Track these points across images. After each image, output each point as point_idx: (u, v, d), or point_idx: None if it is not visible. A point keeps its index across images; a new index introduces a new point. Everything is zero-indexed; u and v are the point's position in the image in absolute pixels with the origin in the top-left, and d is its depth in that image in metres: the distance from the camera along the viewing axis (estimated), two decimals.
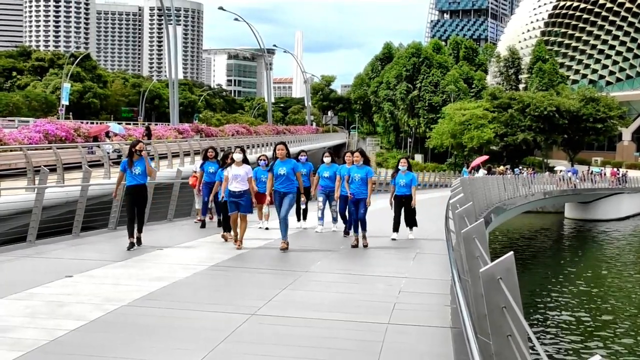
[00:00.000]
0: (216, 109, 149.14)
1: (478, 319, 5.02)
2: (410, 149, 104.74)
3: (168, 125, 54.47)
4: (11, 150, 22.21)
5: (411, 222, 16.52)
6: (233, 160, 13.79)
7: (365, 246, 14.29)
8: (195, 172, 18.61)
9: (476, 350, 4.11)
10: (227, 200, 13.61)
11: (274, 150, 15.08)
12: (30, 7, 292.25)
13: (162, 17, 73.15)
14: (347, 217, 15.59)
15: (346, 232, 16.19)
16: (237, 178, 13.53)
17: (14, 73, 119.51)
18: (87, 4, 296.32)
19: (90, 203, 16.48)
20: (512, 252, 4.05)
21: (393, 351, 6.86)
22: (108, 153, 25.74)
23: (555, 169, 74.01)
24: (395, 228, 16.14)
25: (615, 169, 75.85)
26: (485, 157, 43.14)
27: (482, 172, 42.47)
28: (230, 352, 6.64)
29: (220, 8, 75.72)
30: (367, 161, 15.09)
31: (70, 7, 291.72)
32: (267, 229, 17.04)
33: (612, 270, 37.96)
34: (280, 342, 7.06)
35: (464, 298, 5.65)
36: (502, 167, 56.47)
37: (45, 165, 15.79)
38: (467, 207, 8.29)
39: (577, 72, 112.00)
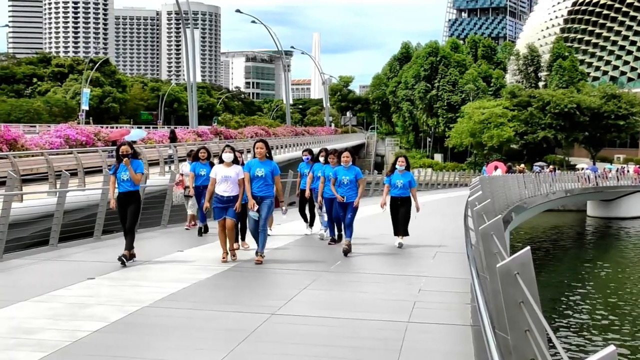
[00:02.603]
0: (235, 111, 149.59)
1: (497, 314, 5.02)
2: (430, 149, 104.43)
3: (187, 128, 54.67)
4: (33, 156, 22.42)
5: (404, 229, 14.53)
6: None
7: (347, 253, 12.91)
8: (182, 174, 17.51)
9: (493, 344, 4.11)
10: (214, 207, 12.05)
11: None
12: (50, 13, 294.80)
13: (180, 21, 73.33)
14: (333, 221, 14.45)
15: (332, 240, 14.62)
16: (226, 180, 11.94)
17: (35, 79, 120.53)
18: (105, 10, 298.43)
19: (109, 207, 16.58)
20: (528, 247, 4.05)
21: (413, 350, 6.85)
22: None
23: (577, 166, 73.45)
24: (397, 232, 14.62)
25: (638, 166, 75.12)
26: (495, 164, 42.80)
27: (499, 171, 42.25)
28: (250, 352, 6.66)
29: (238, 11, 75.98)
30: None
31: (89, 12, 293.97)
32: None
33: (635, 268, 37.64)
34: (300, 342, 7.08)
35: (482, 294, 5.64)
36: (521, 166, 56.17)
37: (66, 170, 15.93)
38: (485, 205, 8.27)
39: (597, 68, 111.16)
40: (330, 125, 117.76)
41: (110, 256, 12.69)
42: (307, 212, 16.48)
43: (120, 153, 11.99)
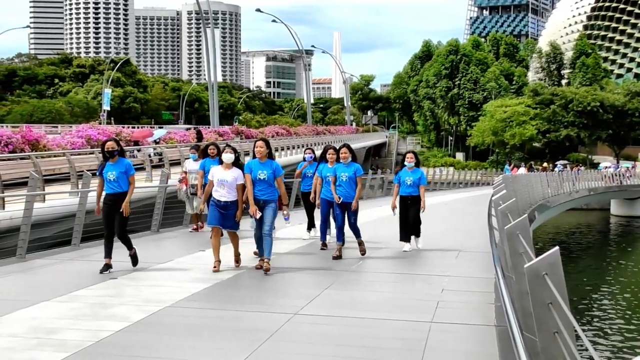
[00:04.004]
0: (256, 110, 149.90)
1: (523, 316, 4.93)
2: (451, 148, 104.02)
3: (208, 127, 54.81)
4: (55, 156, 22.53)
5: (415, 230, 13.69)
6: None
7: (363, 253, 12.58)
8: (185, 172, 16.77)
9: (522, 347, 4.03)
10: (210, 208, 11.02)
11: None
12: (71, 14, 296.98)
13: (200, 21, 73.62)
14: (322, 224, 13.45)
15: (324, 245, 13.58)
16: (223, 185, 10.81)
17: (56, 80, 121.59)
18: (126, 10, 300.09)
19: (132, 206, 16.59)
20: (557, 247, 3.96)
21: (437, 350, 6.78)
22: (150, 156, 26.01)
23: (600, 165, 72.77)
24: (404, 237, 13.65)
25: None
26: (514, 172, 42.49)
27: (522, 170, 42.00)
28: (272, 352, 6.62)
29: (258, 10, 76.06)
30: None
31: (110, 13, 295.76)
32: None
33: None
34: (323, 342, 7.03)
35: (509, 295, 5.55)
36: (544, 164, 55.77)
37: (88, 170, 15.96)
38: (509, 204, 8.17)
39: (621, 65, 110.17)
40: (352, 125, 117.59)
41: None
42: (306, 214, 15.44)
43: (105, 150, 10.96)
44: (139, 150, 28.60)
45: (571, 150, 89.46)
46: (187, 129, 50.67)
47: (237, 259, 11.33)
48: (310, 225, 15.44)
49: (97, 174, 11.17)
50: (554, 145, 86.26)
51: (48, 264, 11.76)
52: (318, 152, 14.64)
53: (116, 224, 10.91)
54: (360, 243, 12.72)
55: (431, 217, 16.16)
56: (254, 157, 11.23)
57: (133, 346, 6.80)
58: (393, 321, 7.90)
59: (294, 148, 48.72)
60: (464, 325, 7.79)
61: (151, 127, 68.75)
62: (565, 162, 68.07)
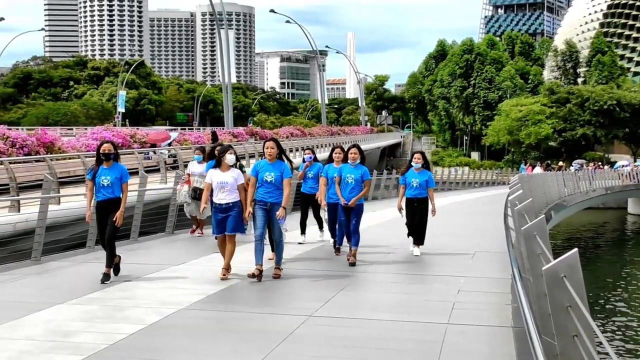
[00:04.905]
0: (270, 111, 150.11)
1: (541, 317, 4.86)
2: (467, 147, 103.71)
3: (223, 129, 54.89)
4: (70, 158, 22.61)
5: (419, 236, 13.12)
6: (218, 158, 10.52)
7: (353, 264, 11.71)
8: (189, 174, 16.22)
9: (540, 351, 3.96)
10: (214, 218, 10.49)
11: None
12: (85, 16, 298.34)
13: (214, 22, 73.85)
14: (337, 228, 12.91)
15: (337, 249, 13.05)
16: (223, 188, 10.32)
17: (71, 83, 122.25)
18: (140, 12, 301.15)
19: (147, 208, 16.64)
20: (576, 249, 3.89)
21: (453, 352, 6.72)
22: (164, 158, 26.06)
23: (617, 164, 72.25)
24: (414, 240, 13.15)
25: None
26: (529, 171, 42.21)
27: (537, 169, 41.69)
28: (287, 355, 6.58)
29: (272, 11, 76.11)
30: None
31: (124, 15, 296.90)
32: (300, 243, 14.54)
33: None
34: (339, 344, 6.98)
35: (526, 297, 5.48)
36: (560, 163, 55.40)
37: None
38: (526, 204, 8.09)
39: (638, 63, 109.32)
40: (366, 125, 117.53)
41: (147, 258, 12.74)
42: (310, 216, 14.87)
43: (101, 152, 10.30)
44: (154, 153, 28.65)
45: (587, 149, 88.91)
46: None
47: (227, 269, 10.49)
48: (320, 226, 15.02)
49: (88, 177, 10.57)
50: (570, 144, 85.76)
51: (63, 267, 11.77)
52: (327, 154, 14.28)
53: (107, 230, 10.27)
54: (354, 252, 11.92)
55: (447, 217, 16.08)
56: (263, 157, 10.72)
57: (147, 349, 6.78)
58: (409, 323, 7.86)
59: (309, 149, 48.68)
60: (481, 327, 7.72)
61: (165, 130, 68.86)
62: (582, 161, 67.50)
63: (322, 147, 54.31)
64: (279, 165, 10.52)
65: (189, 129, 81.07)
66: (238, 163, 11.07)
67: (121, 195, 10.32)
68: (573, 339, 3.72)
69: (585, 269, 34.20)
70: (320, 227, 15.06)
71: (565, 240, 46.25)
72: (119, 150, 10.77)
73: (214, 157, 13.44)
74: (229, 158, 10.44)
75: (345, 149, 12.85)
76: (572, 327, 3.71)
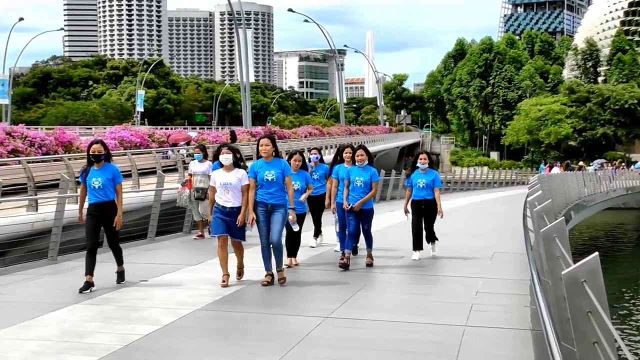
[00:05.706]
0: (288, 111, 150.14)
1: (560, 322, 4.76)
2: (486, 147, 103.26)
3: (241, 128, 54.97)
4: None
5: (430, 236, 12.86)
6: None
7: (370, 265, 11.59)
8: (190, 174, 15.58)
9: (559, 358, 3.86)
10: (214, 218, 9.87)
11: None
12: (104, 16, 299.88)
13: (233, 22, 73.97)
14: (340, 231, 12.45)
15: (343, 253, 11.67)
16: (226, 189, 9.76)
17: (90, 82, 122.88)
18: (159, 12, 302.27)
19: (164, 208, 16.63)
20: (596, 253, 3.79)
21: (471, 354, 6.64)
22: (182, 157, 26.06)
23: (637, 163, 71.64)
24: (417, 244, 12.58)
25: None
26: (548, 171, 41.90)
27: (556, 169, 41.45)
28: (303, 357, 6.53)
29: (290, 10, 76.11)
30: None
31: (143, 15, 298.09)
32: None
33: None
34: (355, 346, 6.91)
35: (545, 301, 5.37)
36: (580, 163, 54.99)
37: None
38: (545, 205, 7.98)
39: None
40: (385, 124, 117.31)
41: (163, 258, 12.73)
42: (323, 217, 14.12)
43: (90, 153, 9.77)
44: (172, 152, 28.67)
45: (608, 148, 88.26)
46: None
47: (240, 272, 10.23)
48: (317, 231, 14.16)
49: (80, 180, 10.06)
50: (590, 143, 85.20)
51: (79, 266, 11.70)
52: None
53: (107, 235, 9.89)
54: (369, 254, 11.69)
55: (465, 217, 15.95)
56: (259, 157, 10.04)
57: (162, 350, 6.75)
58: (426, 325, 7.78)
59: (327, 148, 48.71)
60: (499, 329, 7.62)
61: (184, 129, 69.07)
62: (602, 160, 66.99)
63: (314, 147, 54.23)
64: (278, 163, 9.92)
65: (207, 128, 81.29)
66: (242, 163, 10.65)
67: (115, 198, 9.81)
68: (593, 346, 3.63)
69: (605, 270, 33.91)
70: (316, 234, 14.19)
71: (586, 241, 45.87)
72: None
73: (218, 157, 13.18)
74: (222, 158, 9.90)
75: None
76: (592, 333, 3.62)
